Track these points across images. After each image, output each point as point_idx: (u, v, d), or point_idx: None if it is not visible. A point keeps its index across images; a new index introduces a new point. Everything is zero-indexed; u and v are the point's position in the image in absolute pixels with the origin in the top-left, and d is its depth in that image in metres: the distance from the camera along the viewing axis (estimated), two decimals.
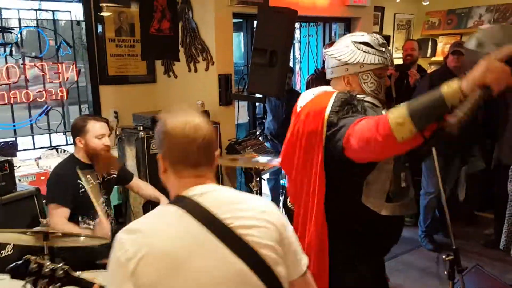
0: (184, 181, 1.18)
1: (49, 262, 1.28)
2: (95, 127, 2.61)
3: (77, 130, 2.64)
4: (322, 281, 1.67)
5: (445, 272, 1.62)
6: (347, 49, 1.70)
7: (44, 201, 2.74)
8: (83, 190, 2.62)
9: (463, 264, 1.92)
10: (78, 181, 2.60)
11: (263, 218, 1.17)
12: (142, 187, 2.94)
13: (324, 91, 1.77)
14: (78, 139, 2.63)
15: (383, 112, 1.67)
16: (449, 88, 1.24)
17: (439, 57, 5.66)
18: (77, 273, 1.31)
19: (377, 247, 1.80)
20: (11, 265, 1.53)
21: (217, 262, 1.09)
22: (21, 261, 1.28)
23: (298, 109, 1.76)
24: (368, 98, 1.68)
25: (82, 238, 2.19)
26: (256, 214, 1.17)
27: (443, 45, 5.83)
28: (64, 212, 2.50)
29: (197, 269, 1.07)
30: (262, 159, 3.17)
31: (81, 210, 2.62)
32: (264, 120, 4.79)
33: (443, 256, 1.62)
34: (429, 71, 4.93)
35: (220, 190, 1.20)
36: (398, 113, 1.30)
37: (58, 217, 2.47)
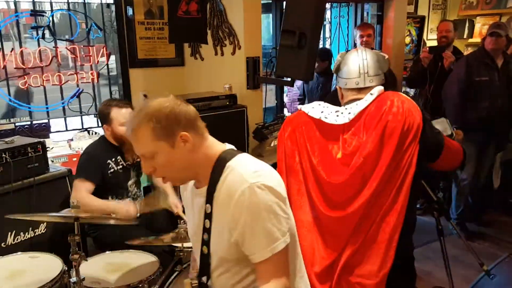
0: None
1: None
2: (118, 115, 2.64)
3: (103, 118, 2.69)
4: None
5: (439, 227, 1.61)
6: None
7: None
8: (112, 170, 2.67)
9: (497, 254, 1.87)
10: (108, 161, 2.67)
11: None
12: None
13: (387, 92, 1.76)
14: (105, 127, 2.69)
15: None
16: None
17: (476, 39, 5.43)
18: None
19: None
20: None
21: None
22: None
23: (352, 116, 1.70)
24: None
25: (111, 220, 2.26)
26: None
27: (481, 26, 5.57)
28: (88, 186, 2.56)
29: None
30: None
31: (111, 191, 2.69)
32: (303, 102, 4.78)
33: (434, 212, 1.62)
34: (465, 53, 4.73)
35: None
36: None
37: (81, 191, 2.53)
